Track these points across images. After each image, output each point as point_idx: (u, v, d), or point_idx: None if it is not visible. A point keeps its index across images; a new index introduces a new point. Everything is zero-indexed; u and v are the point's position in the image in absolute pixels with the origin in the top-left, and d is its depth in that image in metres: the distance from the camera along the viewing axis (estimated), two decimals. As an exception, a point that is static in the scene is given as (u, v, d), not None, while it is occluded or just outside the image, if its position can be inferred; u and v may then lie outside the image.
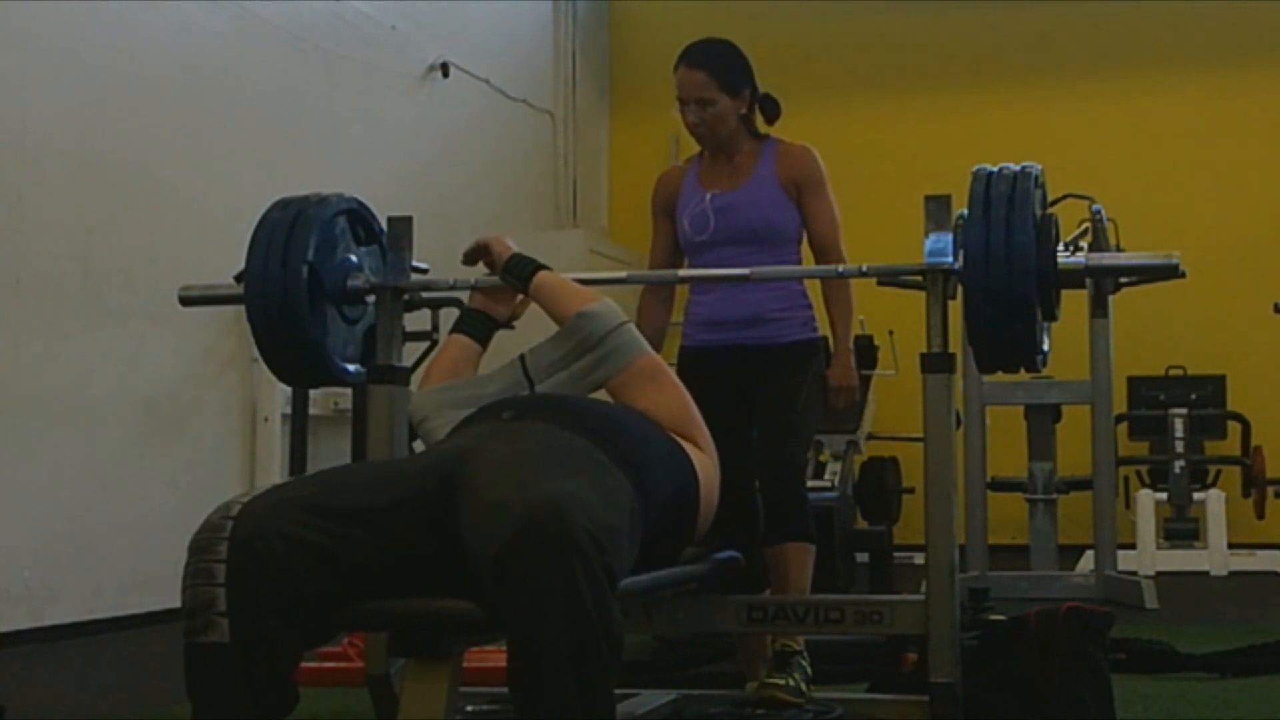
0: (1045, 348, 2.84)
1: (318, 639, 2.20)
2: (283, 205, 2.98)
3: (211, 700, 2.07)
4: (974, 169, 2.81)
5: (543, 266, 2.93)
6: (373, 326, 3.09)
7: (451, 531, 2.17)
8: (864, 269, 3.00)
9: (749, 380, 3.42)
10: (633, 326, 2.86)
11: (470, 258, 3.05)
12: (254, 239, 2.93)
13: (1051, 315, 2.81)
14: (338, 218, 3.01)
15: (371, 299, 3.07)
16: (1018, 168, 2.78)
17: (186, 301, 3.20)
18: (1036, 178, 2.78)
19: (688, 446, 2.65)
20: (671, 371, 2.86)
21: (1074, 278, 2.84)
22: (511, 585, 1.98)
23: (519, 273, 2.93)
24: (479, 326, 3.03)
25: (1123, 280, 5.74)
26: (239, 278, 3.02)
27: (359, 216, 3.08)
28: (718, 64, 3.41)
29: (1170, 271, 2.83)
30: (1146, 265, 3.05)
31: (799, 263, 3.49)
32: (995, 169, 2.79)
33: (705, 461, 2.67)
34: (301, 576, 2.08)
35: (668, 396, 2.75)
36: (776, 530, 3.24)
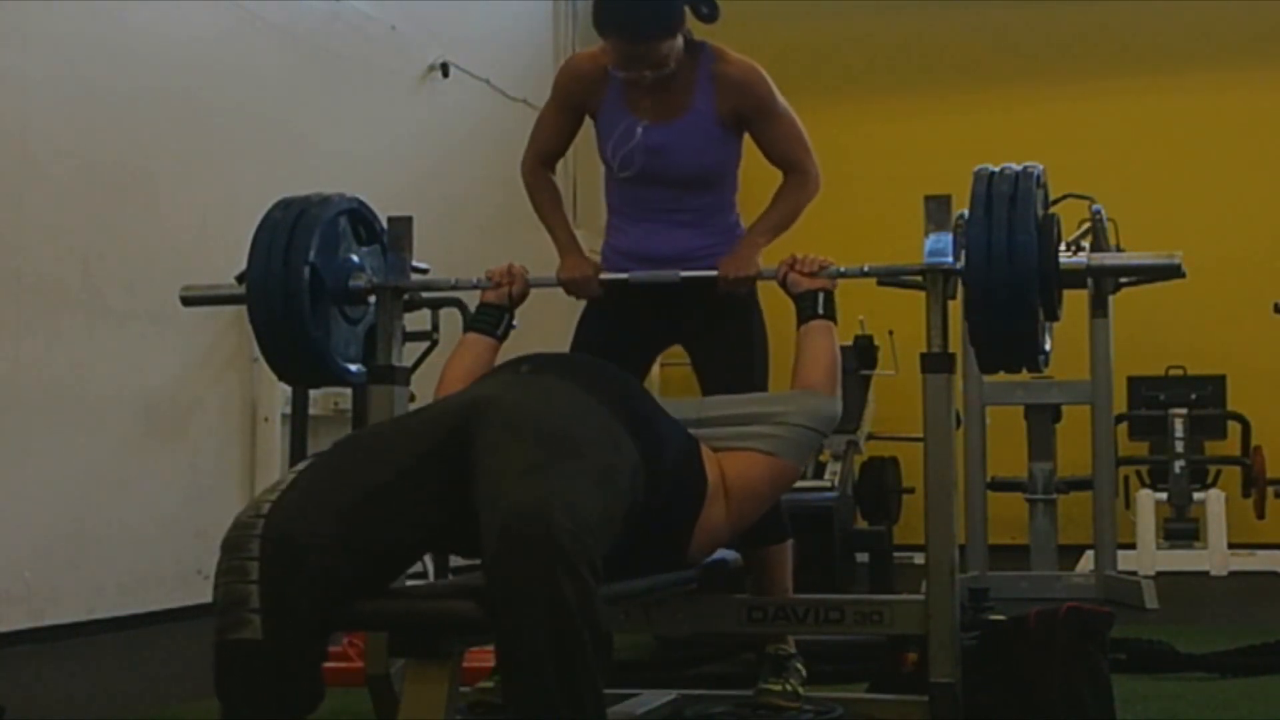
0: (1047, 348, 2.85)
1: (338, 631, 2.23)
2: (284, 205, 2.98)
3: (242, 698, 2.07)
4: (975, 169, 2.81)
5: (831, 319, 2.93)
6: (374, 326, 3.09)
7: (466, 490, 2.18)
8: (865, 269, 2.99)
9: (667, 329, 3.21)
10: (819, 438, 2.82)
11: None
12: (255, 239, 2.93)
13: (1053, 315, 2.82)
14: (339, 218, 3.01)
15: (373, 299, 3.07)
16: (1019, 167, 2.79)
17: (188, 302, 3.20)
18: (1038, 177, 2.78)
19: (717, 499, 2.62)
20: (778, 490, 2.80)
21: (1075, 278, 2.85)
22: (496, 591, 2.00)
23: (813, 303, 2.93)
24: (490, 319, 3.03)
25: (1123, 280, 5.74)
26: (240, 278, 3.03)
27: (360, 216, 3.08)
28: (660, 20, 2.95)
29: (1172, 271, 2.83)
30: (1148, 265, 3.05)
31: (736, 188, 3.19)
32: (997, 169, 2.79)
33: (718, 510, 2.63)
34: (336, 569, 2.10)
35: (752, 491, 2.69)
36: (752, 534, 2.93)
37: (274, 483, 2.23)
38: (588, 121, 3.25)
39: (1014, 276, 2.67)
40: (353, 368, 3.07)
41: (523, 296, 3.07)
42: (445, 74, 7.22)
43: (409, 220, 3.12)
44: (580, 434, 2.27)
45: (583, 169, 8.80)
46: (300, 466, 2.27)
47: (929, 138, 8.34)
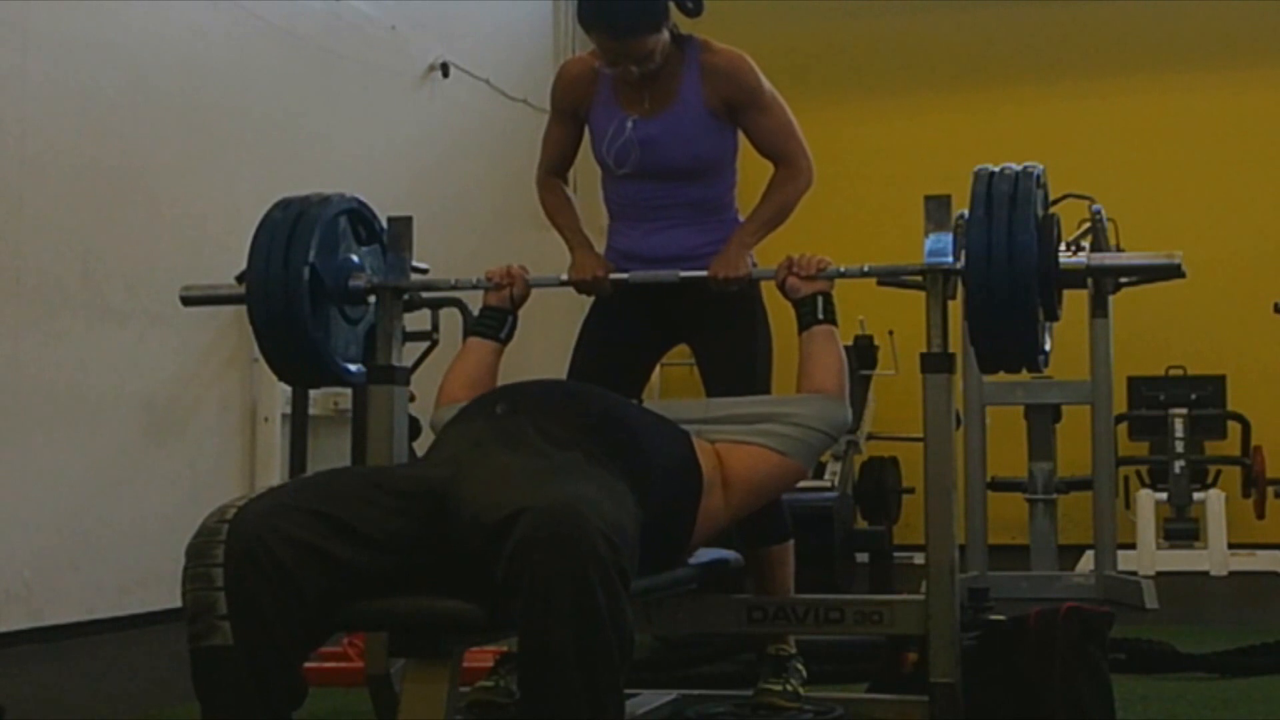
0: (1046, 348, 2.84)
1: (319, 638, 2.21)
2: (284, 205, 2.98)
3: (220, 702, 2.08)
4: (976, 169, 2.81)
5: (832, 323, 2.92)
6: (374, 326, 3.09)
7: (445, 537, 2.17)
8: (865, 269, 2.99)
9: (671, 327, 3.22)
10: (830, 442, 2.85)
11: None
12: (255, 239, 2.93)
13: (1053, 315, 2.82)
14: (339, 218, 3.01)
15: (373, 299, 3.07)
16: (1019, 168, 2.78)
17: (188, 302, 3.20)
18: (1038, 178, 2.78)
19: (714, 490, 2.63)
20: (783, 487, 2.84)
21: (1075, 278, 2.84)
22: (523, 587, 1.99)
23: (813, 309, 2.91)
24: (493, 322, 3.03)
25: (1123, 280, 5.74)
26: (240, 278, 3.02)
27: (360, 216, 3.08)
28: (644, 15, 2.97)
29: (1172, 271, 2.83)
30: (1149, 265, 3.04)
31: (734, 183, 3.21)
32: (997, 169, 2.79)
33: (716, 500, 2.64)
34: (299, 576, 2.08)
35: (754, 485, 2.71)
36: (753, 534, 3.02)
37: (244, 494, 2.23)
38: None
39: (1014, 277, 2.66)
40: (353, 368, 3.07)
41: (524, 298, 3.08)
42: (445, 74, 7.22)
43: (409, 220, 3.12)
44: (572, 466, 2.27)
45: (583, 173, 8.82)
46: (274, 485, 2.27)
47: (929, 138, 8.35)
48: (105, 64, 5.18)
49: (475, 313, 3.16)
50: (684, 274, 3.06)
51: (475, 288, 3.10)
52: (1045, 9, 8.49)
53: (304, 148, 6.08)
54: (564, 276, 3.15)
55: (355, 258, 3.04)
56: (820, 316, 2.91)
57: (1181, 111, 8.30)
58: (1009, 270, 2.66)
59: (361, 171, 6.01)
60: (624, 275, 3.11)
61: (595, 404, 2.55)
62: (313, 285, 2.89)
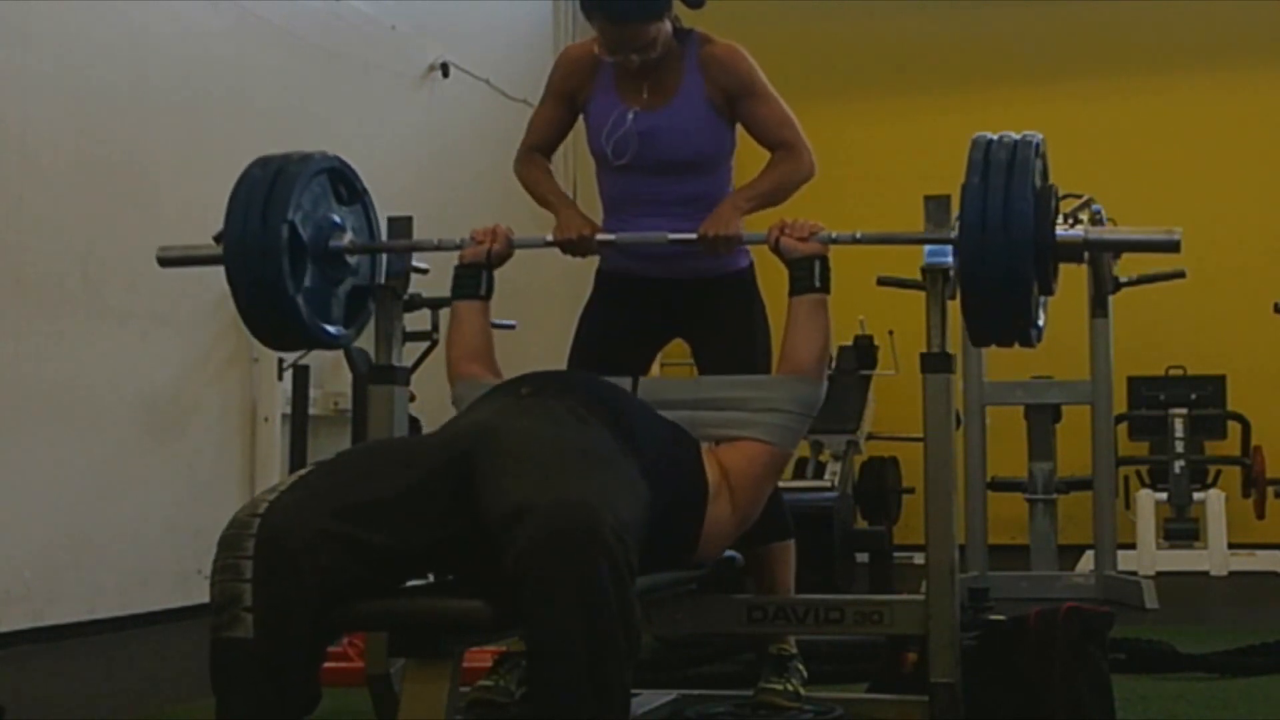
0: (1040, 322, 2.79)
1: (340, 632, 2.22)
2: (263, 163, 2.93)
3: (234, 696, 2.07)
4: (975, 136, 2.73)
5: (826, 291, 2.87)
6: (356, 287, 3.02)
7: (472, 509, 2.18)
8: (857, 235, 2.88)
9: (668, 322, 3.23)
10: (808, 423, 2.83)
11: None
12: (233, 196, 2.86)
13: (1048, 289, 2.74)
14: (319, 176, 2.96)
15: (354, 259, 3.00)
16: (1018, 136, 2.72)
17: (165, 262, 3.14)
18: (1037, 146, 2.71)
19: (720, 497, 2.64)
20: (774, 476, 2.82)
21: (1072, 250, 2.75)
22: (534, 584, 1.99)
23: (809, 273, 2.86)
24: (470, 281, 3.01)
25: (1123, 280, 5.73)
26: (219, 238, 2.97)
27: (341, 175, 3.03)
28: (646, 3, 2.97)
29: (1171, 247, 2.79)
30: (1147, 240, 2.98)
31: (732, 177, 3.20)
32: (995, 136, 2.72)
33: (723, 507, 2.64)
34: (329, 571, 2.09)
35: (754, 482, 2.72)
36: (754, 532, 2.95)
37: (274, 484, 2.23)
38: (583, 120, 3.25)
39: (1009, 245, 2.59)
40: (333, 329, 2.98)
41: (503, 257, 3.04)
42: (445, 74, 7.22)
43: (409, 220, 3.12)
44: (595, 449, 2.29)
45: (583, 169, 8.81)
46: (302, 471, 2.27)
47: (929, 138, 8.33)
48: (106, 63, 5.18)
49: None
50: (673, 236, 3.02)
51: (459, 248, 3.07)
52: (1045, 9, 8.50)
53: (304, 147, 6.02)
54: (549, 237, 3.13)
55: (336, 217, 2.97)
56: (816, 284, 2.86)
57: (1181, 112, 8.31)
58: (1005, 238, 2.59)
59: (361, 171, 5.96)
60: (610, 237, 3.09)
61: (614, 397, 2.56)
62: (292, 243, 2.82)
